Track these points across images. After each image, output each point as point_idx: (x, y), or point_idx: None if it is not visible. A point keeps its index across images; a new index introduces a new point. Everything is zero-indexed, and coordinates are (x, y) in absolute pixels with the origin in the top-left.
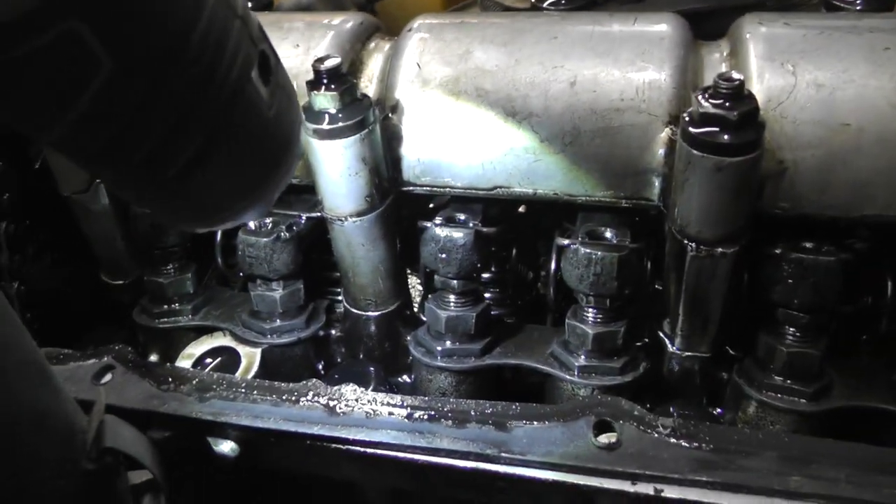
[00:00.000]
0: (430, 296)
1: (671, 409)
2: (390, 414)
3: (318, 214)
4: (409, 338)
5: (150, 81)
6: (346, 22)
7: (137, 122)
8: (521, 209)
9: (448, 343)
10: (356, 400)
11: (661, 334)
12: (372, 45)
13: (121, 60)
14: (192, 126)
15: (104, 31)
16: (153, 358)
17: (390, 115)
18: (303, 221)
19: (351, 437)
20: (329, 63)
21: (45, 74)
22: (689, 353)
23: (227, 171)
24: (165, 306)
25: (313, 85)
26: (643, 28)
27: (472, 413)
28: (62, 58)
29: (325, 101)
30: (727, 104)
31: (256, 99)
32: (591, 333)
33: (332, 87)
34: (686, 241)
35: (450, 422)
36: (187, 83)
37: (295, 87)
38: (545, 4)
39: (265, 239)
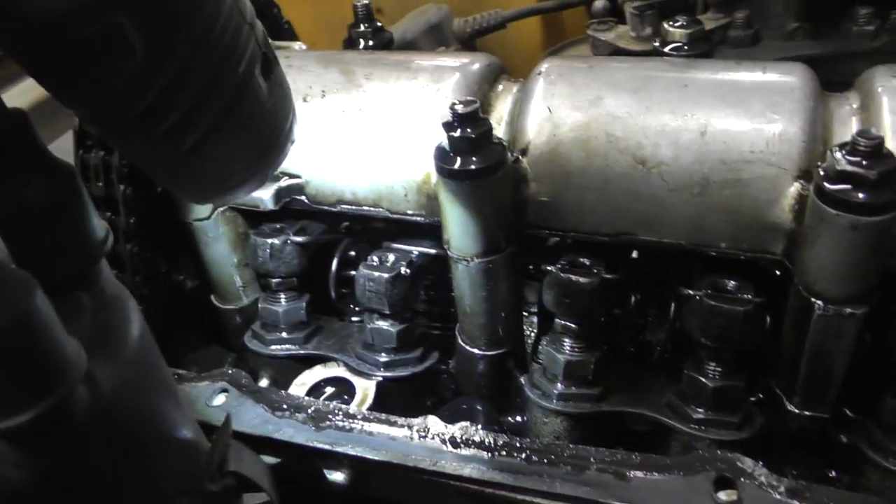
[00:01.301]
0: (546, 338)
1: (789, 470)
2: (509, 455)
3: (435, 251)
4: (523, 379)
5: (175, 69)
6: (473, 63)
7: (163, 99)
8: (634, 255)
9: (565, 387)
10: (474, 438)
11: (776, 391)
12: (500, 87)
13: (153, 49)
14: (207, 107)
15: (142, 24)
16: (262, 383)
17: (520, 157)
18: (420, 258)
19: (468, 475)
20: (467, 106)
21: (87, 58)
22: (808, 413)
23: (230, 150)
24: (278, 334)
25: (450, 127)
26: (773, 78)
27: (592, 460)
28: (103, 45)
29: (462, 143)
30: (865, 162)
31: (258, 91)
32: (710, 387)
33: (469, 129)
34: (813, 299)
35: (569, 467)
36: (205, 72)
37: (426, 126)
38: (667, 49)
39: (386, 274)
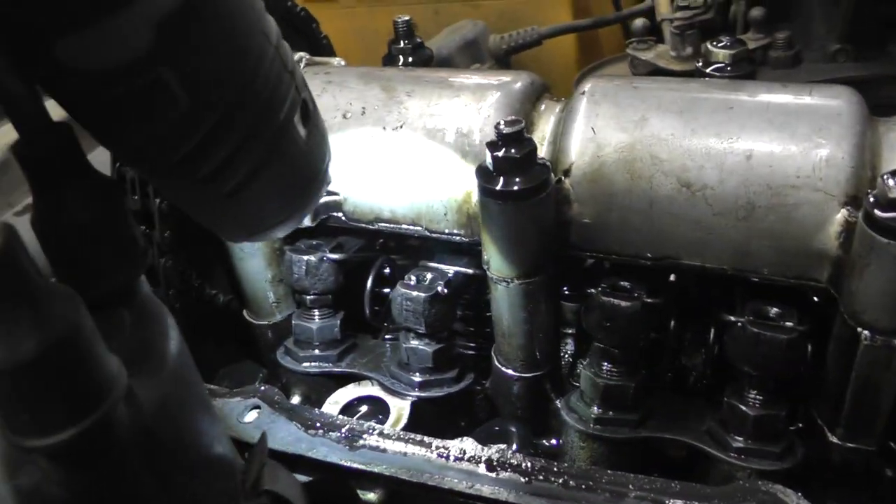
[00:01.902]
0: (585, 361)
1: (831, 503)
2: (546, 479)
3: (472, 271)
4: (559, 402)
5: (216, 118)
6: (515, 82)
7: (203, 147)
8: (672, 278)
9: (602, 411)
10: (511, 462)
11: (819, 421)
12: (542, 106)
13: (196, 100)
14: (247, 154)
15: (185, 78)
16: (295, 400)
17: (563, 178)
18: (457, 277)
19: (505, 499)
20: (512, 126)
21: (132, 108)
22: (852, 445)
23: (269, 192)
24: (311, 351)
25: (494, 146)
26: (819, 101)
27: (631, 486)
28: (147, 97)
29: (506, 163)
30: None
31: (297, 135)
32: (752, 415)
33: (513, 150)
34: (859, 329)
35: (607, 493)
36: (246, 120)
37: (468, 143)
38: (710, 69)
39: (424, 294)
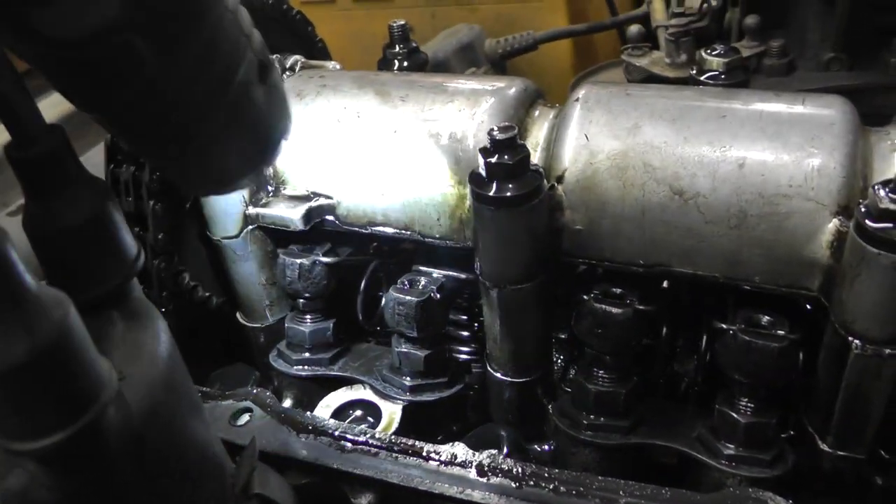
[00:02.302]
0: (577, 367)
1: None
2: (537, 485)
3: (465, 276)
4: (551, 407)
5: (182, 78)
6: (509, 88)
7: (170, 107)
8: (664, 285)
9: (594, 417)
10: (501, 467)
11: (809, 429)
12: (536, 112)
13: (161, 63)
14: (211, 112)
15: (152, 41)
16: (286, 403)
17: (556, 185)
18: (450, 282)
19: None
20: (505, 132)
21: (99, 73)
22: (842, 453)
23: (232, 149)
24: (304, 354)
25: (487, 152)
26: (812, 111)
27: (622, 493)
28: (117, 60)
29: (499, 169)
30: None
31: (256, 94)
32: (742, 423)
33: (506, 156)
34: (850, 338)
35: (598, 499)
36: (208, 80)
37: (462, 149)
38: (703, 77)
39: (416, 298)
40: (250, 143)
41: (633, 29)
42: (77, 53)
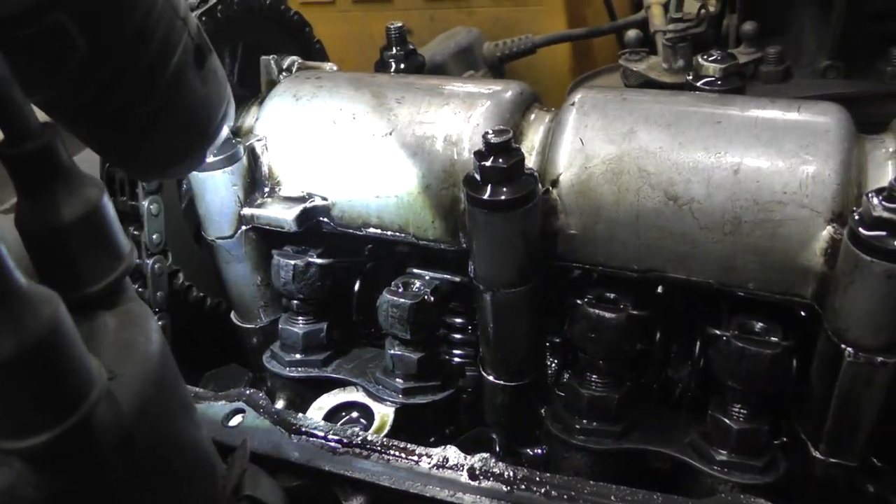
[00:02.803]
0: (570, 372)
1: None
2: (528, 489)
3: (459, 279)
4: (544, 411)
5: (115, 60)
6: (505, 91)
7: (105, 91)
8: (659, 290)
9: (587, 422)
10: (493, 470)
11: (802, 436)
12: (532, 116)
13: (93, 44)
14: (146, 97)
15: (83, 22)
16: (279, 405)
17: (550, 189)
18: (444, 285)
19: None
20: (500, 136)
21: (34, 52)
22: (835, 461)
23: (170, 134)
24: (298, 355)
25: (482, 156)
26: (808, 118)
27: (613, 498)
28: (49, 42)
29: (493, 173)
30: None
31: (193, 78)
32: (735, 429)
33: (501, 160)
34: (843, 345)
35: None
36: (142, 63)
37: (457, 152)
38: (700, 83)
39: (410, 301)
40: (188, 128)
41: (631, 34)
42: (12, 31)
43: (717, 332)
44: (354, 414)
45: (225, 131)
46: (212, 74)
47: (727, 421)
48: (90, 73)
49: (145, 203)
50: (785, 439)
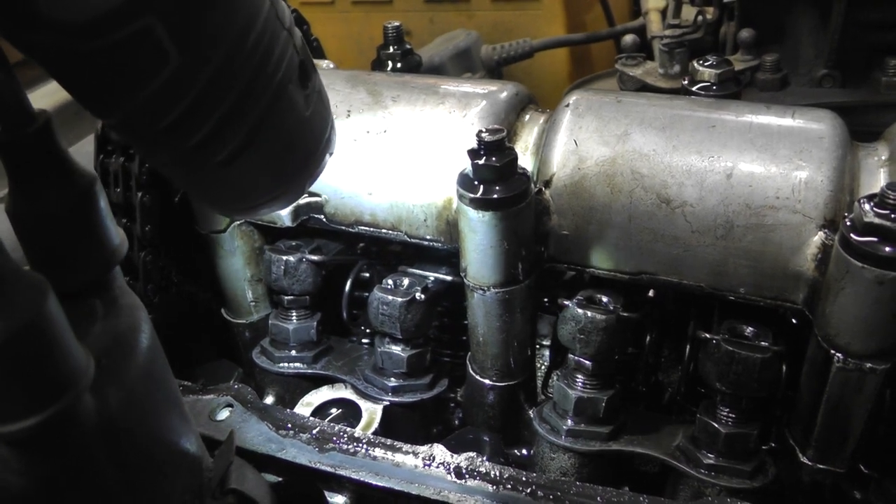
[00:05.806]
0: (559, 373)
1: None
2: (514, 489)
3: (451, 278)
4: (532, 412)
5: (209, 76)
6: (500, 91)
7: (195, 109)
8: (650, 293)
9: (575, 423)
10: (479, 470)
11: (790, 441)
12: (527, 116)
13: (187, 55)
14: (241, 117)
15: (175, 29)
16: (268, 400)
17: (544, 189)
18: (435, 284)
19: None
20: (493, 134)
21: (119, 63)
22: (822, 467)
23: (265, 161)
24: (287, 351)
25: (475, 154)
26: (802, 124)
27: (599, 499)
28: (134, 51)
29: (486, 171)
30: (894, 215)
31: (296, 99)
32: (723, 433)
33: (494, 158)
34: (832, 351)
35: None
36: (240, 80)
37: (450, 152)
38: (695, 88)
39: (400, 299)
40: (288, 157)
41: (628, 38)
42: (84, 43)
43: (708, 335)
44: (342, 411)
45: (327, 161)
46: (316, 95)
47: (716, 425)
48: (180, 89)
49: (139, 195)
50: (773, 444)
